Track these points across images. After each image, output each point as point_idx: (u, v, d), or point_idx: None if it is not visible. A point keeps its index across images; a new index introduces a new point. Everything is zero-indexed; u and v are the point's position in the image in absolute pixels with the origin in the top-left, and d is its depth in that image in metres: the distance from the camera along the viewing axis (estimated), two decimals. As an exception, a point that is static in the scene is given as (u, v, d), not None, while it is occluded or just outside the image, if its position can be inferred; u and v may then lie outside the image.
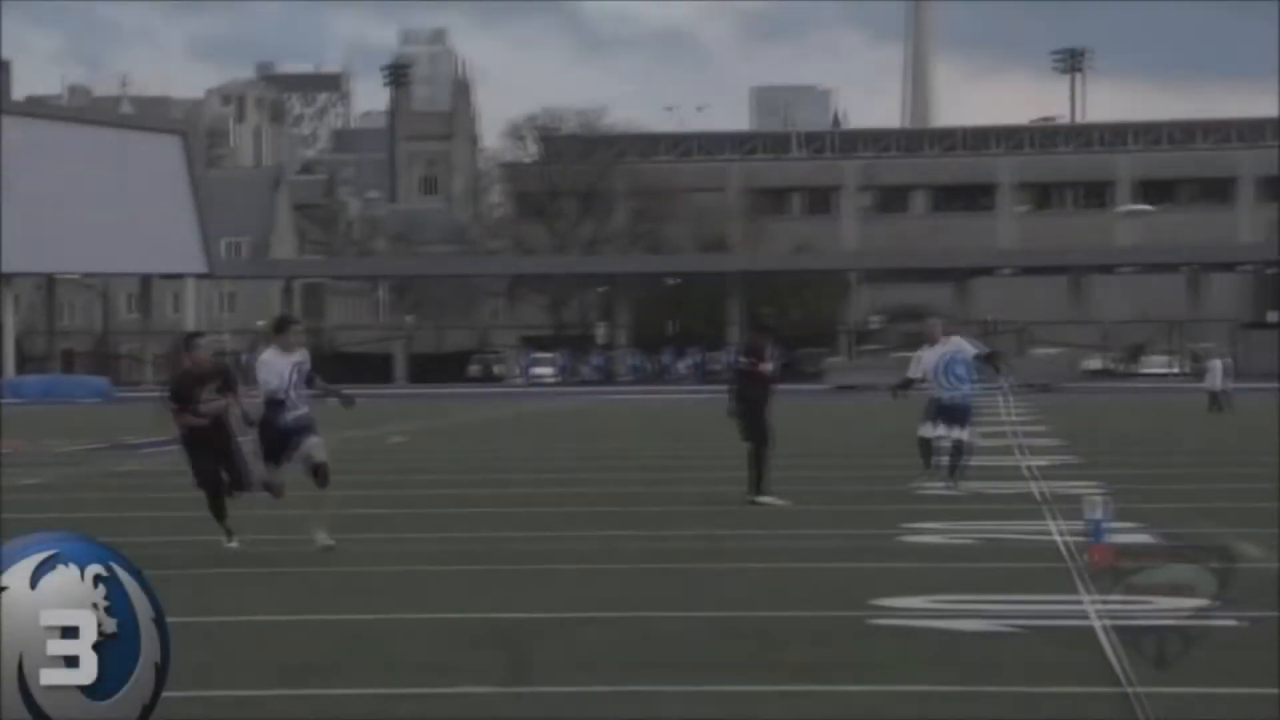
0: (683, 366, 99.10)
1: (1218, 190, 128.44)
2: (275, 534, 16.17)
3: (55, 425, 45.43)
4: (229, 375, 16.46)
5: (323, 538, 15.43)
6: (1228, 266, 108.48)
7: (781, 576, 14.05)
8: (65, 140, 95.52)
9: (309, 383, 15.86)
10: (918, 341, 23.42)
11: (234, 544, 15.67)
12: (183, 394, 15.97)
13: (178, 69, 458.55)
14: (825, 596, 12.66)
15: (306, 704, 9.06)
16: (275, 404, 15.56)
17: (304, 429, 15.63)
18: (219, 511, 15.89)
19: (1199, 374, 57.27)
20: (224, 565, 14.83)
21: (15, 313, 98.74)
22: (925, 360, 22.13)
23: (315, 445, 15.60)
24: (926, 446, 21.86)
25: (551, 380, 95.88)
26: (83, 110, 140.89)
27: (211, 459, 15.86)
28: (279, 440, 15.55)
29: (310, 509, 15.69)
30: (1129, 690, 9.00)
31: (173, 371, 20.09)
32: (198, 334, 17.95)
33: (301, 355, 15.84)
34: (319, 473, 15.56)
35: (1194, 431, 37.61)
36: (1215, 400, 47.75)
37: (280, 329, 16.35)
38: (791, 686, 9.29)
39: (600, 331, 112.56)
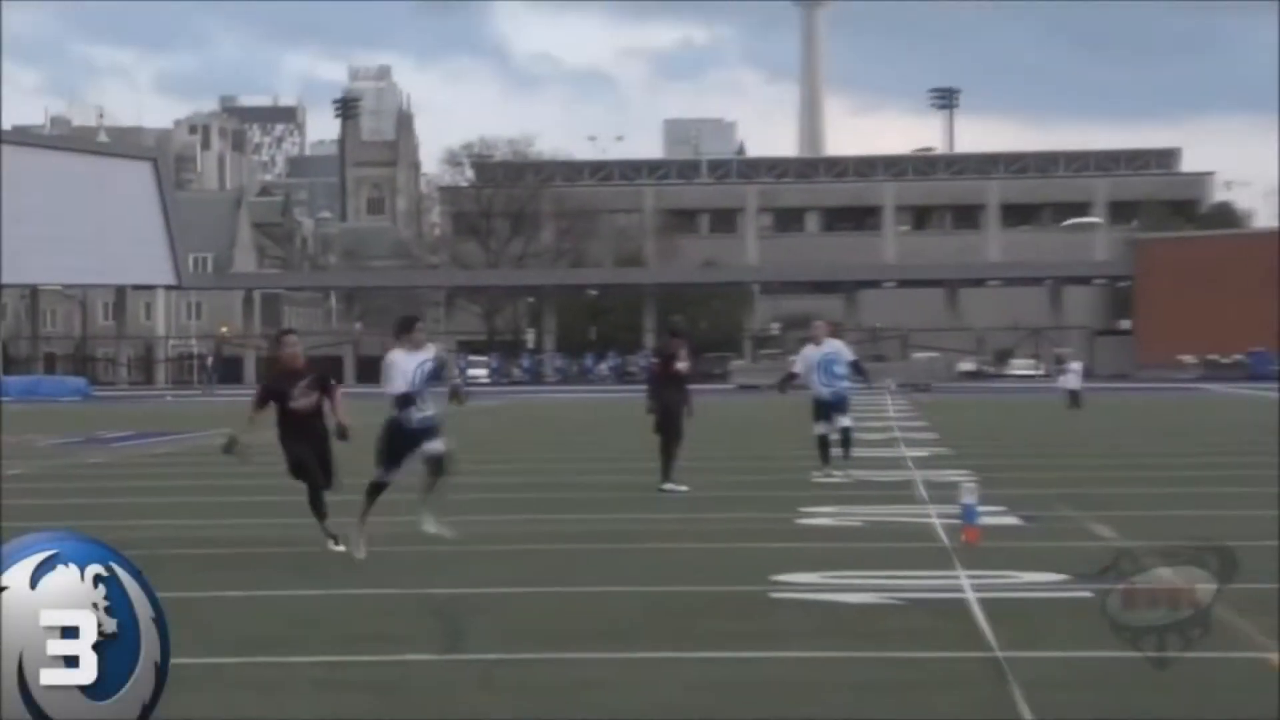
0: (603, 368, 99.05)
1: (1075, 213, 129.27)
2: (234, 519, 15.99)
3: (38, 422, 44.90)
4: (326, 378, 14.90)
5: (431, 525, 14.06)
6: (1084, 280, 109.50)
7: (691, 555, 14.02)
8: (48, 166, 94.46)
9: (437, 377, 14.28)
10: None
11: (339, 547, 14.11)
12: (274, 388, 14.63)
13: (149, 102, 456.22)
14: (731, 572, 12.64)
15: (261, 671, 8.95)
16: (405, 403, 14.04)
17: (430, 430, 14.12)
18: (318, 509, 14.42)
19: (1059, 375, 57.59)
20: (187, 547, 14.64)
21: (2, 320, 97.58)
22: (807, 357, 22.09)
23: (436, 443, 14.17)
24: (824, 443, 21.78)
25: (485, 381, 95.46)
26: (64, 139, 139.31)
27: (304, 447, 14.41)
28: (404, 443, 14.14)
29: (422, 493, 14.38)
30: (996, 655, 9.06)
31: (268, 369, 18.16)
32: (288, 331, 16.23)
33: (428, 353, 14.26)
34: (439, 464, 14.22)
35: (1054, 426, 37.86)
36: (1073, 398, 48.09)
37: (405, 329, 14.49)
38: (702, 653, 9.27)
39: (529, 337, 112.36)
